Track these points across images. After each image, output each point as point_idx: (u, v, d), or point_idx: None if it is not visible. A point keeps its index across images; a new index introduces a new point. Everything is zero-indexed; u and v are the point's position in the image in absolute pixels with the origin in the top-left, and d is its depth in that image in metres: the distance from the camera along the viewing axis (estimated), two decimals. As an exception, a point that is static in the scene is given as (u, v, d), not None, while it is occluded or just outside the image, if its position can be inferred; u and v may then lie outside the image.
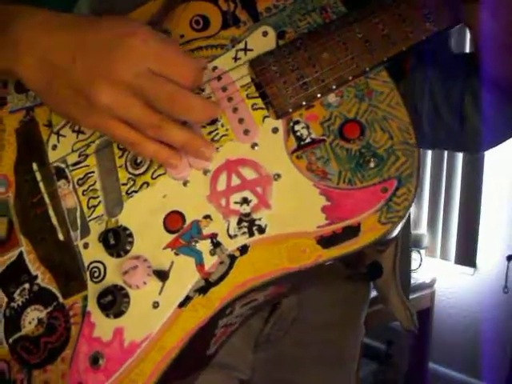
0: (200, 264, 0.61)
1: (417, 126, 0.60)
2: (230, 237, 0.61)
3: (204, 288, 0.60)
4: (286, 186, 0.61)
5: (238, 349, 0.79)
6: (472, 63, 0.70)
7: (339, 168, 0.60)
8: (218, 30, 0.66)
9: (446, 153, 2.65)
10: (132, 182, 0.65)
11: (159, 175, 0.64)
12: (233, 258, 0.60)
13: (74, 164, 0.68)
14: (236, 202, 0.61)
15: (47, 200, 0.68)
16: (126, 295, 0.62)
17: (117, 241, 0.63)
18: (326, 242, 0.58)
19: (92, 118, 0.59)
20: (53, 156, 0.69)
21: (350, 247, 0.58)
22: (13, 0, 0.65)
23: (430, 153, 2.68)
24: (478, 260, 2.56)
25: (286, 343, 0.85)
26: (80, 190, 0.67)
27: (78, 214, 0.67)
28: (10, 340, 0.67)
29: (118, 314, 0.62)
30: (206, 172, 0.63)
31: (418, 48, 0.63)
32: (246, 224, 0.61)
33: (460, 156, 2.60)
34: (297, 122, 0.62)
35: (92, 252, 0.65)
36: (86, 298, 0.64)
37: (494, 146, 0.79)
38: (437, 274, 2.64)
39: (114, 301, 0.61)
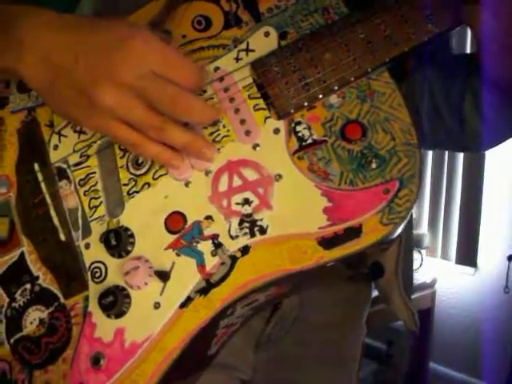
0: (201, 265, 0.61)
1: (418, 126, 0.60)
2: (232, 237, 0.61)
3: (205, 289, 0.60)
4: (287, 186, 0.61)
5: (239, 349, 0.79)
6: (472, 63, 0.70)
7: (341, 169, 0.60)
8: (220, 31, 0.66)
9: (446, 153, 2.65)
10: (133, 183, 0.65)
11: (160, 176, 0.64)
12: (234, 258, 0.60)
13: (76, 164, 0.68)
14: (237, 203, 0.61)
15: (49, 200, 0.68)
16: (127, 296, 0.62)
17: (118, 241, 0.63)
18: (327, 243, 0.58)
19: (94, 119, 0.59)
20: (54, 156, 0.69)
21: (352, 248, 0.58)
22: (16, 0, 0.65)
23: (430, 153, 2.68)
24: (479, 260, 2.56)
25: (287, 343, 0.85)
26: (81, 190, 0.67)
27: (80, 214, 0.67)
28: (12, 340, 0.67)
29: (119, 314, 0.62)
30: (207, 173, 0.63)
31: (420, 49, 0.63)
32: (247, 225, 0.61)
33: (461, 156, 2.60)
34: (298, 123, 0.62)
35: (93, 252, 0.65)
36: (87, 299, 0.64)
37: (494, 146, 0.79)
38: (437, 273, 2.63)
39: (115, 301, 0.61)
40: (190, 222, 0.62)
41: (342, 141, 0.60)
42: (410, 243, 0.79)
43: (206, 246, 0.61)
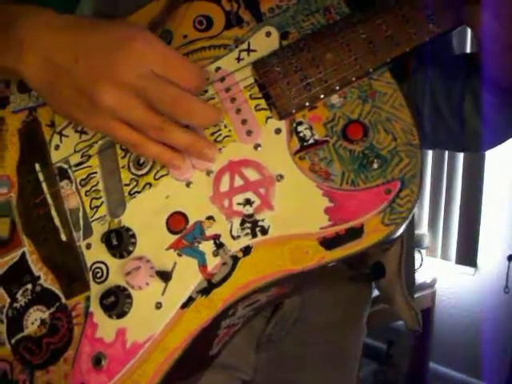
0: (203, 265, 0.61)
1: (419, 126, 0.60)
2: (233, 238, 0.61)
3: (207, 289, 0.60)
4: (288, 187, 0.61)
5: (240, 349, 0.79)
6: (473, 64, 0.70)
7: (342, 169, 0.60)
8: (221, 31, 0.66)
9: (446, 153, 2.65)
10: (135, 183, 0.65)
11: (162, 176, 0.64)
12: (236, 259, 0.60)
13: (77, 164, 0.68)
14: (239, 203, 0.61)
15: (50, 200, 0.68)
16: (129, 296, 0.62)
17: (119, 241, 0.63)
18: (329, 243, 0.58)
19: (94, 119, 0.59)
20: (55, 156, 0.69)
21: (353, 249, 0.58)
22: (16, 0, 0.65)
23: (430, 153, 2.68)
24: (479, 260, 2.56)
25: (288, 343, 0.85)
26: (83, 190, 0.67)
27: (81, 214, 0.67)
28: (13, 340, 0.67)
29: (121, 314, 0.62)
30: (208, 173, 0.63)
31: (421, 49, 0.63)
32: (248, 225, 0.61)
33: (461, 156, 2.60)
34: (300, 123, 0.62)
35: (95, 252, 0.65)
36: (88, 299, 0.64)
37: (494, 146, 0.79)
38: (437, 273, 2.63)
39: (117, 301, 0.61)
40: (191, 222, 0.62)
41: (344, 141, 0.60)
42: (411, 243, 0.79)
43: (207, 247, 0.61)
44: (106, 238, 0.64)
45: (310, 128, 0.62)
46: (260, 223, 0.60)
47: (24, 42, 0.60)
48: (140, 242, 0.64)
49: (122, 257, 0.63)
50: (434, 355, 2.64)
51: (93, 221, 0.66)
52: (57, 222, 0.68)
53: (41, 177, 0.69)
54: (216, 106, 0.63)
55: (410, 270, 0.79)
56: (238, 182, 0.62)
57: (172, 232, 0.63)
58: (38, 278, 0.67)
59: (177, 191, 0.63)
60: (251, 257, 0.60)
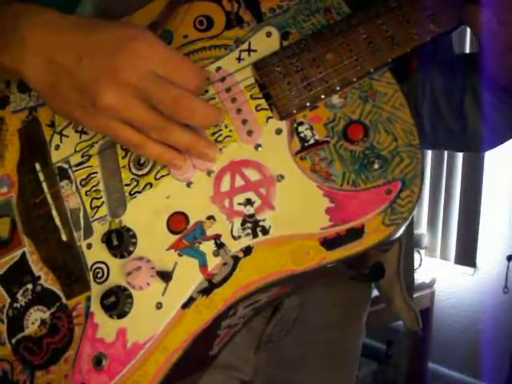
0: (203, 265, 0.61)
1: (418, 126, 0.60)
2: (234, 238, 0.61)
3: (207, 289, 0.60)
4: (289, 187, 0.61)
5: (240, 349, 0.79)
6: (472, 63, 0.70)
7: (343, 169, 0.60)
8: (222, 31, 0.66)
9: (446, 152, 2.65)
10: (135, 183, 0.65)
11: (162, 176, 0.64)
12: (236, 259, 0.60)
13: (77, 164, 0.68)
14: (240, 203, 0.61)
15: (50, 200, 0.68)
16: (130, 296, 0.62)
17: (120, 241, 0.63)
18: (329, 243, 0.58)
19: (95, 120, 0.59)
20: (56, 156, 0.69)
21: (354, 249, 0.58)
22: None
23: (430, 152, 2.68)
24: (478, 260, 2.56)
25: (287, 343, 0.85)
26: (83, 190, 0.67)
27: (81, 214, 0.67)
28: (13, 340, 0.67)
29: (122, 314, 0.62)
30: (209, 173, 0.63)
31: (422, 49, 0.63)
32: (249, 225, 0.60)
33: (460, 156, 2.60)
34: (300, 123, 0.62)
35: (95, 252, 0.65)
36: (89, 299, 0.64)
37: (494, 147, 0.79)
38: (437, 273, 2.64)
39: (118, 302, 0.61)
40: (192, 222, 0.62)
41: (345, 141, 0.60)
42: (410, 243, 0.79)
43: (208, 247, 0.61)
44: (107, 238, 0.64)
45: (311, 128, 0.61)
46: (261, 223, 0.60)
47: (25, 42, 0.60)
48: (141, 242, 0.63)
49: (122, 257, 0.63)
50: (433, 355, 2.64)
51: (93, 221, 0.66)
52: (57, 221, 0.68)
53: (41, 176, 0.69)
54: (217, 107, 0.63)
55: (409, 271, 0.79)
56: (239, 182, 0.62)
57: (173, 232, 0.63)
58: (39, 277, 0.67)
59: (177, 191, 0.63)
60: (252, 257, 0.60)
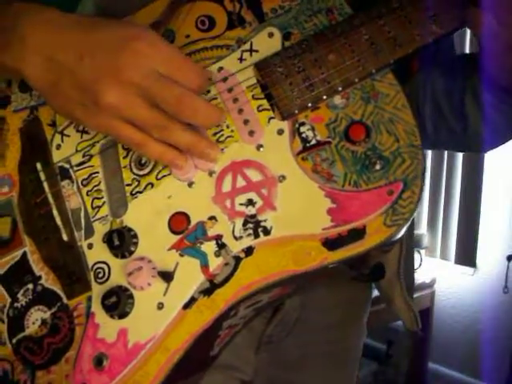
0: (205, 265, 0.61)
1: (420, 127, 0.60)
2: (235, 238, 0.61)
3: (209, 289, 0.60)
4: (291, 187, 0.60)
5: (240, 350, 0.79)
6: (473, 64, 0.70)
7: (345, 170, 0.60)
8: (224, 31, 0.66)
9: (446, 152, 2.65)
10: (136, 183, 0.65)
11: (164, 176, 0.64)
12: (238, 259, 0.60)
13: (79, 164, 0.68)
14: (241, 204, 0.61)
15: (51, 200, 0.68)
16: (131, 296, 0.62)
17: (121, 241, 0.63)
18: (331, 244, 0.58)
19: (97, 119, 0.59)
20: (57, 156, 0.69)
21: (356, 250, 0.58)
22: None
23: (430, 152, 2.68)
24: (478, 260, 2.56)
25: (288, 344, 0.85)
26: (84, 190, 0.67)
27: (82, 214, 0.67)
28: (14, 340, 0.67)
29: (123, 315, 0.62)
30: (211, 173, 0.63)
31: (424, 50, 0.63)
32: (251, 225, 0.60)
33: (460, 156, 2.60)
34: (302, 124, 0.62)
35: (96, 252, 0.65)
36: (90, 299, 0.64)
37: (495, 147, 0.79)
38: (437, 273, 2.64)
39: (119, 302, 0.61)
40: (193, 222, 0.62)
41: (346, 142, 0.60)
42: (411, 243, 0.79)
43: (209, 247, 0.61)
44: (108, 238, 0.64)
45: (313, 129, 0.61)
46: (262, 224, 0.60)
47: (26, 41, 0.60)
48: (142, 242, 0.63)
49: (123, 257, 0.63)
50: (433, 355, 2.64)
51: (94, 221, 0.66)
52: (58, 221, 0.68)
53: (42, 176, 0.69)
54: (219, 107, 0.63)
55: (410, 271, 0.80)
56: (241, 182, 0.62)
57: (174, 232, 0.62)
58: (39, 277, 0.67)
59: (179, 191, 0.63)
60: (253, 257, 0.60)
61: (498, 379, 2.35)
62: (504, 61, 0.62)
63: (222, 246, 0.61)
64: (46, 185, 0.69)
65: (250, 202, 0.61)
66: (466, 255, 2.59)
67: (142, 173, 0.65)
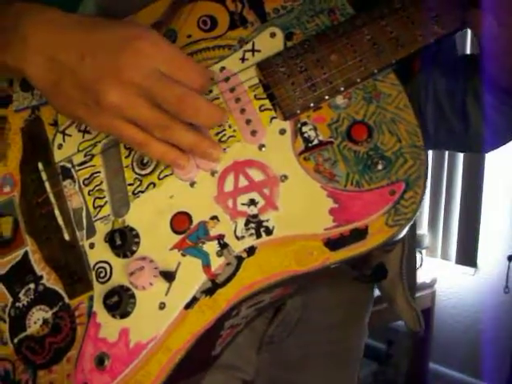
0: (207, 265, 0.61)
1: (422, 127, 0.60)
2: (237, 238, 0.61)
3: (211, 289, 0.60)
4: (293, 187, 0.60)
5: (242, 350, 0.79)
6: (474, 64, 0.70)
7: (347, 170, 0.60)
8: (226, 31, 0.66)
9: (446, 153, 2.65)
10: (138, 183, 0.65)
11: (166, 176, 0.64)
12: (240, 259, 0.60)
13: (80, 164, 0.68)
14: (243, 204, 0.61)
15: (53, 200, 0.68)
16: (132, 296, 0.62)
17: (123, 241, 0.63)
18: (333, 244, 0.58)
19: (99, 118, 0.59)
20: (58, 155, 0.69)
21: (358, 250, 0.58)
22: None
23: (430, 153, 2.67)
24: (479, 260, 2.56)
25: (290, 344, 0.85)
26: (86, 190, 0.67)
27: (84, 213, 0.67)
28: (15, 340, 0.67)
29: (124, 314, 0.62)
30: (213, 173, 0.63)
31: (426, 50, 0.63)
32: (253, 225, 0.60)
33: (461, 156, 2.60)
34: (304, 124, 0.62)
35: (98, 252, 0.65)
36: (91, 299, 0.64)
37: (496, 148, 0.79)
38: (437, 274, 2.64)
39: (120, 301, 0.61)
40: (195, 222, 0.62)
41: (348, 142, 0.60)
42: (413, 243, 0.79)
43: (211, 247, 0.61)
44: (110, 238, 0.64)
45: (315, 129, 0.61)
46: (264, 223, 0.60)
47: (28, 40, 0.60)
48: (144, 242, 0.63)
49: (125, 256, 0.63)
50: (433, 355, 2.64)
51: (96, 220, 0.66)
52: (60, 221, 0.68)
53: (44, 176, 0.69)
54: (221, 106, 0.63)
55: (412, 271, 0.80)
56: (243, 182, 0.62)
57: (176, 232, 0.62)
58: (41, 277, 0.67)
59: (181, 191, 0.63)
60: (255, 257, 0.60)
61: (498, 379, 2.35)
62: (504, 62, 0.62)
63: (223, 245, 0.61)
64: (47, 184, 0.69)
65: (252, 202, 0.61)
66: (467, 255, 2.59)
67: (143, 172, 0.65)
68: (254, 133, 0.62)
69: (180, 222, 0.62)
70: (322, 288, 0.82)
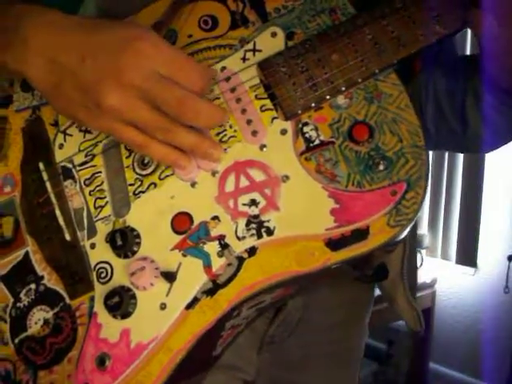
0: (208, 265, 0.61)
1: (422, 127, 0.60)
2: (238, 238, 0.61)
3: (212, 290, 0.60)
4: (294, 187, 0.60)
5: (243, 350, 0.79)
6: (474, 65, 0.70)
7: (348, 170, 0.60)
8: (227, 30, 0.66)
9: (446, 153, 2.65)
10: (139, 183, 0.65)
11: (167, 176, 0.64)
12: (241, 259, 0.60)
13: (81, 164, 0.68)
14: (244, 204, 0.61)
15: (54, 200, 0.68)
16: (133, 296, 0.62)
17: (124, 241, 0.63)
18: (334, 244, 0.58)
19: (99, 121, 0.59)
20: (59, 155, 0.69)
21: (359, 250, 0.58)
22: None
23: (431, 153, 2.64)
24: (479, 260, 2.56)
25: (291, 344, 0.85)
26: (87, 190, 0.67)
27: (85, 214, 0.67)
28: (16, 340, 0.67)
29: (125, 315, 0.62)
30: (214, 173, 0.62)
31: (427, 50, 0.63)
32: (254, 226, 0.60)
33: (461, 156, 2.60)
34: (305, 124, 0.62)
35: (99, 252, 0.65)
36: (92, 299, 0.64)
37: (495, 148, 0.79)
38: (438, 274, 2.63)
39: (121, 302, 0.61)
40: (196, 222, 0.62)
41: (350, 142, 0.60)
42: (413, 243, 0.79)
43: (212, 247, 0.61)
44: (111, 238, 0.64)
45: (316, 129, 0.61)
46: (265, 224, 0.60)
47: (28, 42, 0.60)
48: (145, 242, 0.63)
49: (126, 257, 0.63)
50: (434, 355, 2.64)
51: (97, 220, 0.66)
52: (61, 221, 0.68)
53: (45, 176, 0.69)
54: (221, 107, 0.63)
55: (412, 271, 0.79)
56: (244, 182, 0.62)
57: (177, 232, 0.62)
58: (42, 277, 0.67)
59: (182, 191, 0.63)
60: (256, 258, 0.60)
61: (498, 379, 2.35)
62: (504, 62, 0.62)
63: (224, 246, 0.61)
64: (48, 184, 0.69)
65: (253, 202, 0.61)
66: (467, 255, 2.59)
67: (144, 172, 0.65)
68: (254, 133, 0.62)
69: (181, 222, 0.62)
70: (322, 288, 0.82)
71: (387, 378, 2.68)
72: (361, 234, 0.58)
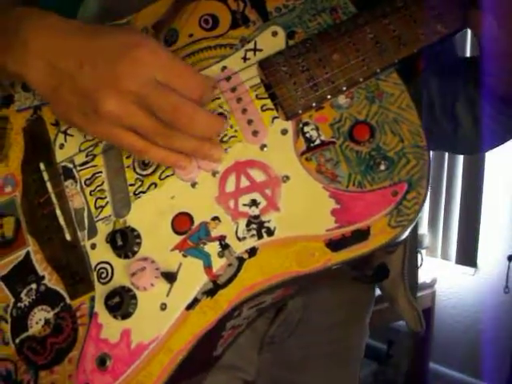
0: (208, 266, 0.61)
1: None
2: (239, 239, 0.60)
3: (212, 290, 0.60)
4: (294, 188, 0.60)
5: (243, 350, 0.79)
6: (470, 67, 0.70)
7: (349, 170, 0.59)
8: (227, 30, 0.66)
9: (446, 153, 2.65)
10: (140, 183, 0.65)
11: (167, 176, 0.64)
12: (241, 260, 0.60)
13: (82, 164, 0.68)
14: (245, 204, 0.61)
15: (54, 200, 0.68)
16: (134, 297, 0.62)
17: (124, 242, 0.63)
18: (335, 245, 0.58)
19: (97, 127, 0.59)
20: (60, 155, 0.69)
21: (360, 251, 0.58)
22: (19, 1, 0.64)
23: (430, 153, 2.66)
24: (479, 260, 2.56)
25: (291, 344, 0.85)
26: (87, 190, 0.67)
27: (86, 214, 0.67)
28: (17, 340, 0.66)
29: (126, 315, 0.62)
30: (214, 173, 0.62)
31: (429, 50, 0.63)
32: (254, 226, 0.60)
33: (461, 156, 2.59)
34: (306, 124, 0.62)
35: (99, 253, 0.65)
36: (93, 299, 0.64)
37: (490, 150, 0.79)
38: (437, 274, 2.64)
39: (122, 302, 0.61)
40: (196, 222, 0.62)
41: (351, 142, 0.60)
42: (414, 244, 0.79)
43: (212, 248, 0.61)
44: (111, 238, 0.64)
45: (317, 129, 0.61)
46: (266, 224, 0.60)
47: (28, 45, 0.60)
48: (145, 243, 0.63)
49: (126, 257, 0.63)
50: (434, 355, 2.64)
51: (98, 221, 0.66)
52: (61, 221, 0.67)
53: (45, 176, 0.69)
54: (221, 117, 0.62)
55: (413, 271, 0.79)
56: (244, 182, 0.61)
57: (177, 233, 0.62)
58: (43, 277, 0.67)
59: (182, 192, 0.63)
60: (257, 258, 0.60)
61: (498, 379, 2.35)
62: (503, 63, 0.62)
63: (225, 246, 0.61)
64: (49, 184, 0.69)
65: (254, 203, 0.61)
66: (467, 255, 2.59)
67: (145, 173, 0.65)
68: (255, 133, 0.62)
69: (181, 222, 0.62)
70: (323, 289, 0.82)
71: (387, 378, 2.68)
72: (362, 235, 0.58)
